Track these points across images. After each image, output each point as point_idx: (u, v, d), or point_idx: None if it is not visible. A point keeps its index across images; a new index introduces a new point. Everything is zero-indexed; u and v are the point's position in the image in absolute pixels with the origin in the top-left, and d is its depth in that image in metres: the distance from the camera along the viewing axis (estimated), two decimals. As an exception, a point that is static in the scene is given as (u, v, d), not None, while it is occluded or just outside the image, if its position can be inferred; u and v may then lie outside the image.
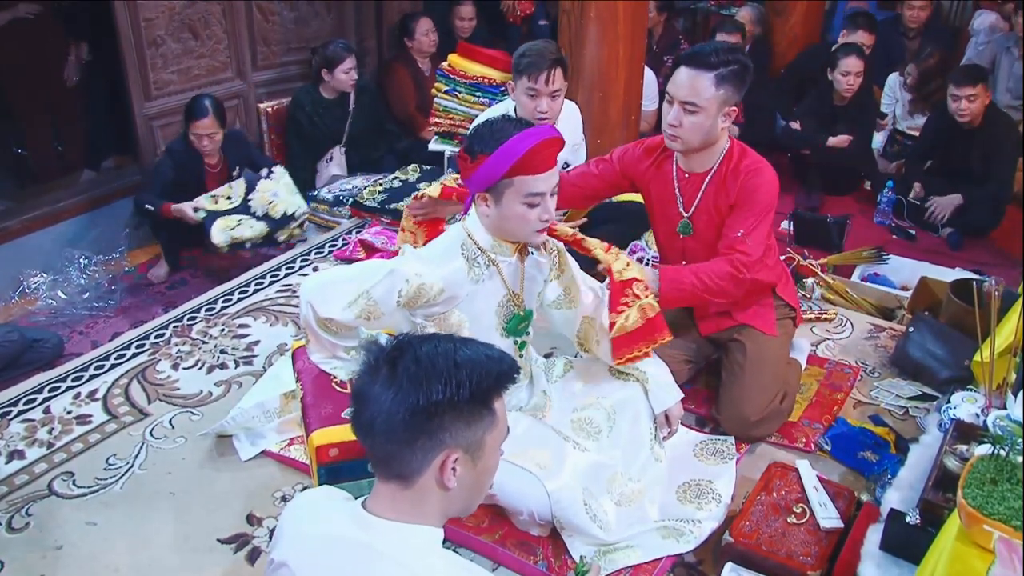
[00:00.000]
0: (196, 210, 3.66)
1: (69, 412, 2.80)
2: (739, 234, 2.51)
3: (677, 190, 2.63)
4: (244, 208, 3.67)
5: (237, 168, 3.92)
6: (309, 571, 1.31)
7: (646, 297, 2.31)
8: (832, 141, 4.57)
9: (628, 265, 2.33)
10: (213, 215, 3.66)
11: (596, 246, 2.34)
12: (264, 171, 3.89)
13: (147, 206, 3.73)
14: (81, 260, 3.92)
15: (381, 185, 4.24)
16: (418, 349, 1.28)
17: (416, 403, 1.23)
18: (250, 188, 3.77)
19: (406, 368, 1.25)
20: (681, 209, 2.63)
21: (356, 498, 1.38)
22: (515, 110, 3.26)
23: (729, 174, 2.54)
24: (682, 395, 2.43)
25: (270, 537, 2.26)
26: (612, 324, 2.28)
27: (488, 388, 1.29)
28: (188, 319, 3.34)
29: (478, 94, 4.29)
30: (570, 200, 2.85)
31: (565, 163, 3.57)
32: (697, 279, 2.49)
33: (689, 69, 2.40)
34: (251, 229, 3.67)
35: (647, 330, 2.30)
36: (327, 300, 2.18)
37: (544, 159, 2.01)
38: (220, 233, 3.56)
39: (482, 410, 1.30)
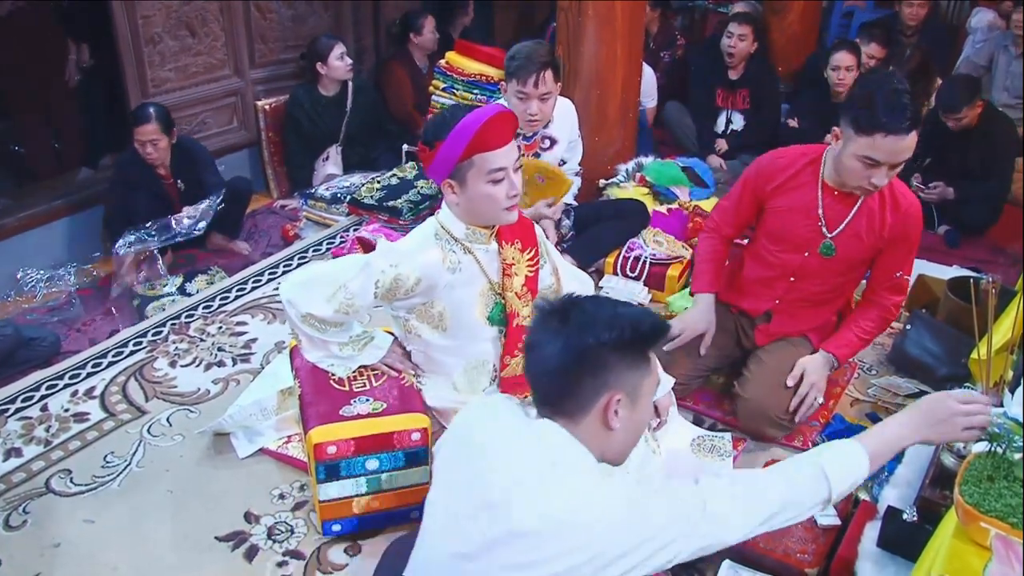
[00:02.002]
0: (133, 296, 3.65)
1: (67, 410, 2.79)
2: (898, 275, 2.54)
3: (821, 209, 2.51)
4: (181, 290, 3.68)
5: (180, 182, 3.89)
6: (469, 420, 1.57)
7: None
8: (829, 139, 4.57)
9: (532, 315, 2.32)
10: (147, 299, 3.62)
11: (515, 286, 2.29)
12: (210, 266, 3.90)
13: (106, 231, 3.84)
14: (79, 258, 3.91)
15: (379, 183, 4.23)
16: (585, 303, 1.48)
17: (587, 343, 1.40)
18: (188, 279, 3.76)
19: (576, 316, 1.44)
20: (824, 229, 2.52)
21: None
22: (510, 109, 3.26)
23: (886, 202, 2.47)
24: (671, 383, 2.45)
25: (268, 535, 2.27)
26: (504, 366, 2.32)
27: (645, 334, 1.45)
28: (186, 317, 3.34)
29: (475, 91, 4.29)
30: (735, 234, 2.82)
31: (562, 160, 3.57)
32: (859, 339, 2.63)
33: (905, 135, 2.24)
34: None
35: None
36: (306, 297, 2.20)
37: (499, 134, 2.04)
38: (154, 311, 3.51)
39: (640, 356, 1.46)
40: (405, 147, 4.43)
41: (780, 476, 1.57)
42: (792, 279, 2.63)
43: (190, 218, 3.81)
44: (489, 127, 2.01)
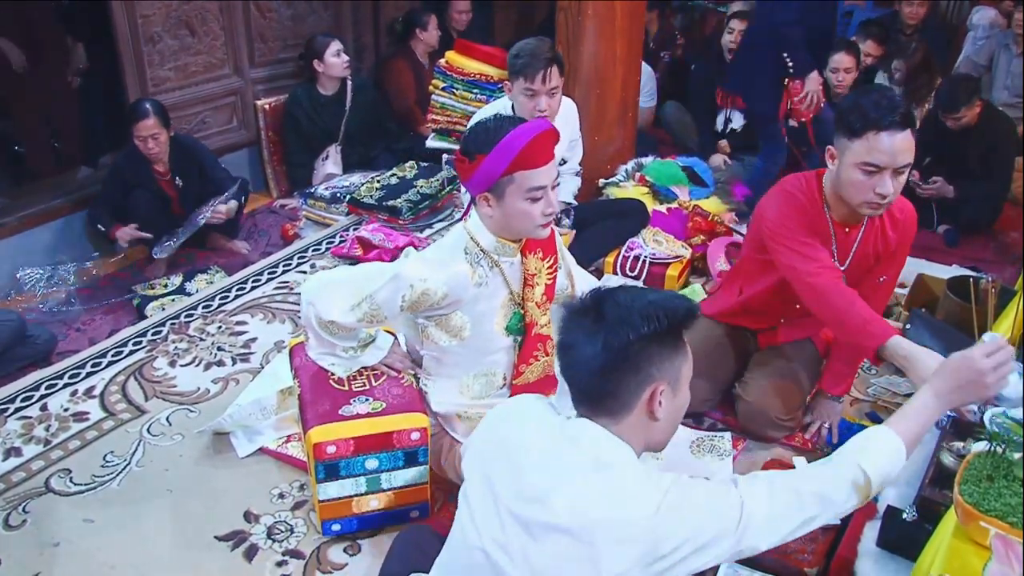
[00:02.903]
0: (132, 295, 3.65)
1: (66, 409, 2.79)
2: (881, 280, 2.49)
3: (834, 245, 2.43)
4: (180, 290, 3.67)
5: (178, 179, 3.89)
6: (501, 421, 1.54)
7: (551, 356, 2.36)
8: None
9: (549, 323, 2.34)
10: (146, 299, 3.60)
11: (536, 296, 2.29)
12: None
13: (99, 226, 3.82)
14: (79, 257, 3.91)
15: (379, 182, 4.23)
16: (616, 296, 1.43)
17: (627, 339, 1.37)
18: (188, 278, 3.75)
19: (610, 311, 1.40)
20: (836, 264, 2.43)
21: None
22: (512, 108, 3.26)
23: (885, 218, 2.40)
24: None
25: (268, 534, 2.27)
26: (518, 374, 2.32)
27: (681, 319, 1.43)
28: (185, 316, 3.34)
29: (475, 91, 4.29)
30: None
31: (562, 159, 3.57)
32: (849, 367, 2.63)
33: (902, 131, 2.14)
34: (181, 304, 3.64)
35: (543, 385, 2.36)
36: (329, 302, 2.18)
37: (542, 152, 2.02)
38: (154, 310, 3.50)
39: (677, 342, 1.45)
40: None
41: (816, 478, 1.53)
42: (797, 306, 2.60)
43: (218, 203, 3.90)
44: (535, 145, 1.99)
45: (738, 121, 4.95)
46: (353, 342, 2.32)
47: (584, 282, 2.48)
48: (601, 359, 1.39)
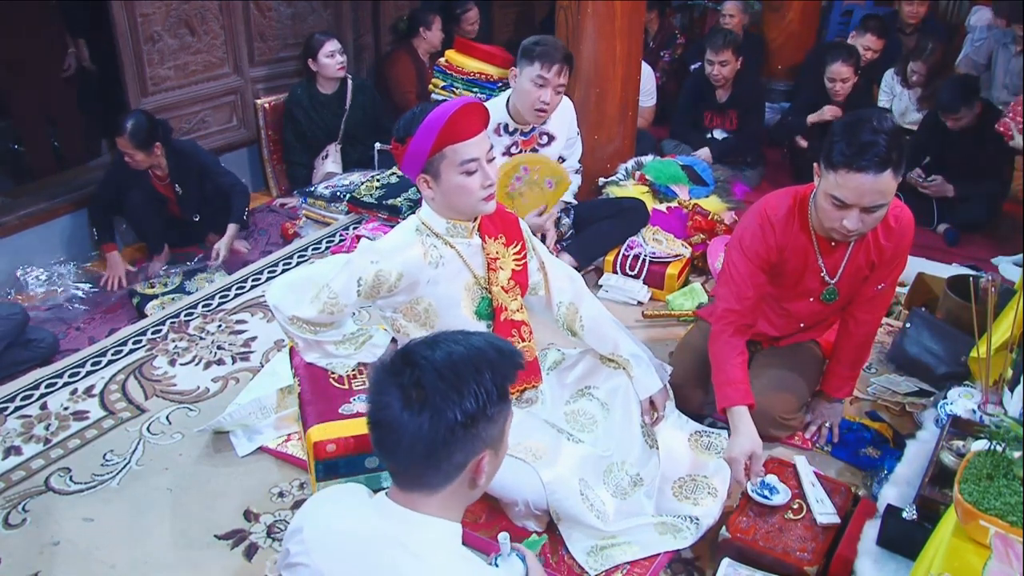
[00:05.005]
0: (132, 294, 3.65)
1: (66, 408, 2.79)
2: (880, 287, 2.47)
3: (820, 260, 2.44)
4: (180, 289, 3.68)
5: (178, 186, 3.88)
6: (328, 560, 1.33)
7: (529, 341, 2.35)
8: (811, 118, 4.57)
9: (520, 309, 2.33)
10: (146, 298, 3.60)
11: (500, 280, 2.28)
12: (204, 258, 3.91)
13: (94, 231, 3.86)
14: (79, 256, 3.91)
15: (378, 181, 4.23)
16: (435, 362, 1.26)
17: (455, 419, 1.24)
18: (187, 277, 3.75)
19: (434, 387, 1.25)
20: (826, 277, 2.46)
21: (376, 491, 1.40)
22: (507, 105, 3.27)
23: (878, 230, 2.37)
24: (662, 385, 2.43)
25: (267, 533, 2.27)
26: None
27: (509, 382, 1.33)
28: (185, 315, 3.34)
29: (475, 90, 4.29)
30: (755, 319, 2.56)
31: (560, 157, 3.57)
32: (852, 371, 2.62)
33: (876, 174, 2.09)
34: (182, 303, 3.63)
35: (524, 372, 2.30)
36: (290, 299, 2.20)
37: (468, 124, 2.05)
38: (154, 309, 3.50)
39: (503, 405, 1.32)
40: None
41: None
42: (802, 325, 2.63)
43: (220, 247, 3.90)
44: (457, 119, 2.02)
45: (720, 135, 4.84)
46: (337, 336, 2.31)
47: (562, 275, 2.44)
48: (426, 442, 1.25)
